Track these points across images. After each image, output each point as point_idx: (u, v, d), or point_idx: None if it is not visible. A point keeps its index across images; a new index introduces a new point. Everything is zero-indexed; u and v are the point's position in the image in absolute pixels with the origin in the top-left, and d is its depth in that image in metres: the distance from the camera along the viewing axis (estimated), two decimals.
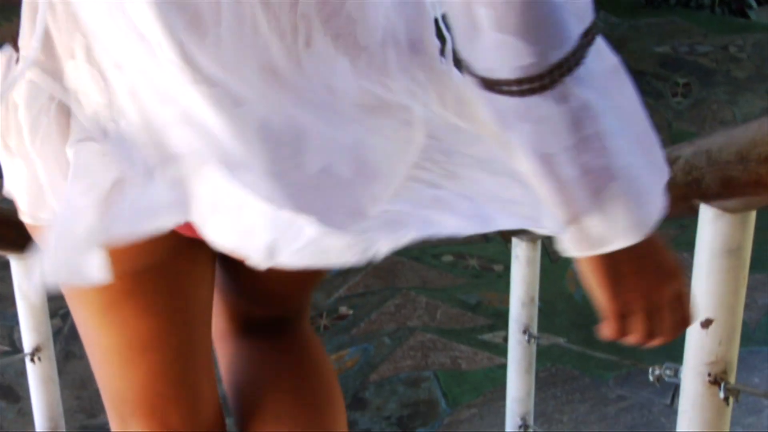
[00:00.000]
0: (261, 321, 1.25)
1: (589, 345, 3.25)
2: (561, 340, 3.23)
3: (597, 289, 0.94)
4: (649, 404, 2.99)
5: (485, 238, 3.71)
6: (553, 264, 3.49)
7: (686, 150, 1.15)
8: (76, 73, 0.86)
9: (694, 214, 1.18)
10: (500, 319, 3.32)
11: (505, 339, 3.22)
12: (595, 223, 0.87)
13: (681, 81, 4.59)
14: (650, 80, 4.57)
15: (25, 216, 0.95)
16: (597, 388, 3.07)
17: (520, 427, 2.28)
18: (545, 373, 3.01)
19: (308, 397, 1.18)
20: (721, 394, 1.16)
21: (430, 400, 3.03)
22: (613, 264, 0.91)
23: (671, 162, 1.19)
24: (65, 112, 0.88)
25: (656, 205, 0.91)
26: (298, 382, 1.19)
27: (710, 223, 1.15)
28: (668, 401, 2.97)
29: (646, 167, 0.90)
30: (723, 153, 1.06)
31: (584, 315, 3.38)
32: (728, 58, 4.83)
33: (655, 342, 0.96)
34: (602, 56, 0.85)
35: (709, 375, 1.18)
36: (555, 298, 3.38)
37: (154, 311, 1.02)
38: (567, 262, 3.60)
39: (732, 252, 1.14)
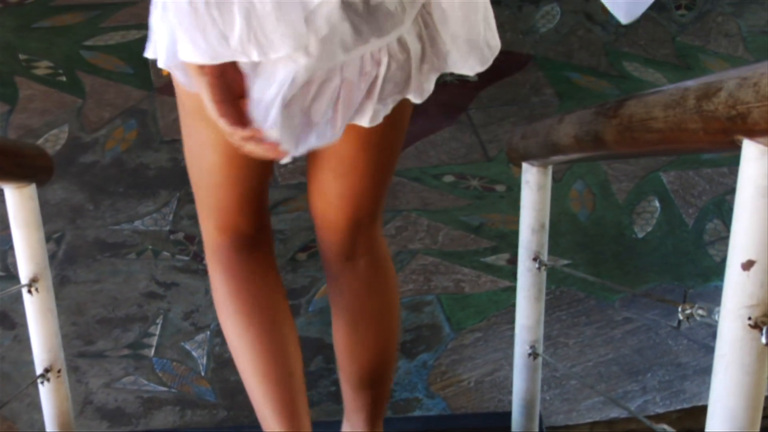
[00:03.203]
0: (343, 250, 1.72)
1: (594, 266, 3.22)
2: (566, 263, 3.20)
3: None
4: (656, 326, 2.96)
5: (487, 157, 3.65)
6: (555, 183, 3.43)
7: (729, 82, 1.08)
8: None
9: (736, 149, 1.11)
10: (503, 241, 3.28)
11: (509, 261, 3.18)
12: None
13: None
14: None
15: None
16: (603, 311, 3.04)
17: (529, 354, 2.25)
18: (550, 295, 2.97)
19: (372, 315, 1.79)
20: (764, 340, 1.10)
21: (433, 324, 2.99)
22: None
23: (711, 94, 1.12)
24: None
25: None
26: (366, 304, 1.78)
27: (755, 161, 1.08)
28: (675, 323, 2.94)
29: None
30: None
31: (589, 235, 3.33)
32: None
33: None
34: None
35: (750, 319, 1.12)
36: (559, 218, 3.33)
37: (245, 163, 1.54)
38: (570, 181, 3.55)
39: None
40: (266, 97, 1.26)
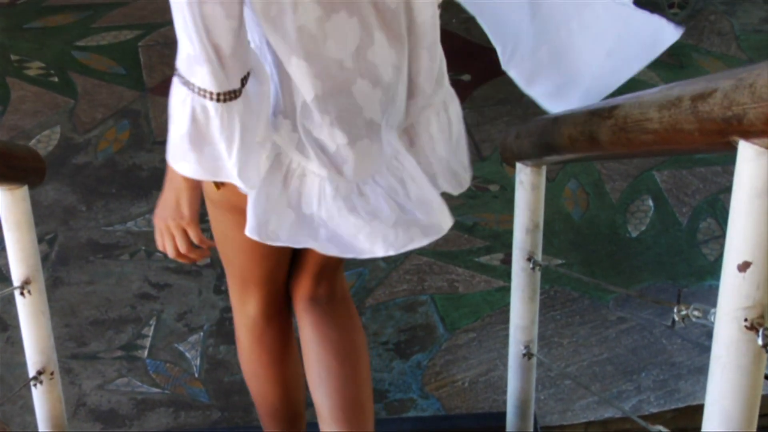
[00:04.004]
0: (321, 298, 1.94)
1: (587, 265, 3.22)
2: (560, 263, 3.19)
3: None
4: (650, 326, 2.96)
5: (480, 157, 3.64)
6: (549, 182, 3.42)
7: (724, 82, 1.07)
8: None
9: (731, 150, 1.11)
10: (497, 240, 3.27)
11: (503, 261, 3.18)
12: None
13: None
14: None
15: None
16: (597, 310, 3.03)
17: (523, 355, 2.25)
18: (544, 295, 2.96)
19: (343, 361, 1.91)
20: (760, 341, 1.10)
21: (427, 324, 2.99)
22: None
23: (707, 95, 1.12)
24: None
25: None
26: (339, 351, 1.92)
27: (751, 162, 1.08)
28: (669, 323, 2.94)
29: None
30: None
31: (583, 235, 3.33)
32: None
33: None
34: None
35: (746, 320, 1.12)
36: (552, 218, 3.32)
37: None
38: (564, 181, 3.54)
39: None
40: (313, 213, 1.57)
